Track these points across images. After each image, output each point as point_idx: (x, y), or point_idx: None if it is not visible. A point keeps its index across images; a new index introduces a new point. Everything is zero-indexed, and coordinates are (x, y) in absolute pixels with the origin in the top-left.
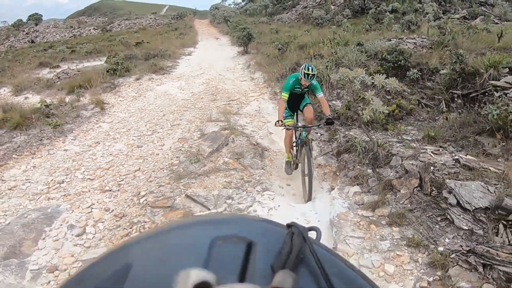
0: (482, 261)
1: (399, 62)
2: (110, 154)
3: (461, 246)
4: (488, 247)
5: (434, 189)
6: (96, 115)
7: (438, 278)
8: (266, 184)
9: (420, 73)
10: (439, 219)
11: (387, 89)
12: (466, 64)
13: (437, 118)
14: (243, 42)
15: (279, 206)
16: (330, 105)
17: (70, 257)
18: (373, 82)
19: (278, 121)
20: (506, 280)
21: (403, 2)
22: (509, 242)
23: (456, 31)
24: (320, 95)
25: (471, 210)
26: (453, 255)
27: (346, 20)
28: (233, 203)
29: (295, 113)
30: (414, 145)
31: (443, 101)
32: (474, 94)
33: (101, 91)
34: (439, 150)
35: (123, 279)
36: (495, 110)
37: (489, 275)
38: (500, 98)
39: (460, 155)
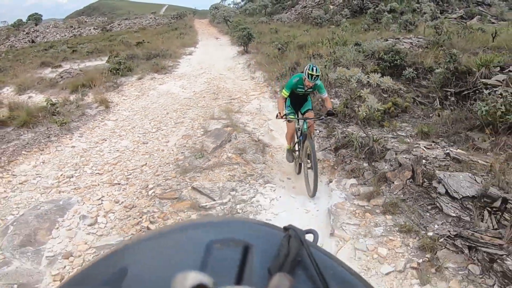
0: (467, 244)
1: (395, 62)
2: (117, 150)
3: (449, 231)
4: (473, 231)
5: (425, 180)
6: (101, 113)
7: (427, 259)
8: (267, 177)
9: (416, 72)
10: (429, 207)
11: (383, 88)
12: (459, 63)
13: (431, 115)
14: (243, 42)
15: (280, 197)
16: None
17: (83, 244)
18: (368, 81)
19: (279, 113)
20: (490, 260)
21: (401, 2)
22: (493, 226)
23: (452, 31)
24: (324, 95)
25: (459, 198)
26: (441, 239)
27: (345, 20)
28: (237, 194)
29: (297, 114)
30: (408, 140)
31: (437, 99)
32: (466, 92)
33: (104, 90)
34: (431, 145)
35: (119, 283)
36: (484, 106)
37: (474, 256)
38: (490, 95)
39: (451, 149)
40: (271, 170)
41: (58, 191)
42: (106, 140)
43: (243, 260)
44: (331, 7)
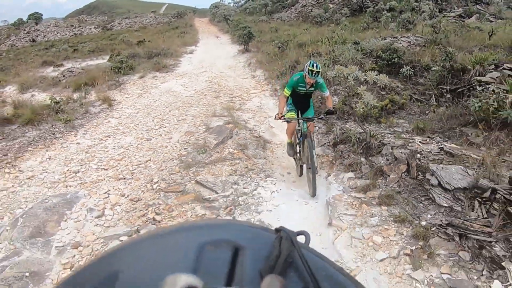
0: (458, 232)
1: (393, 60)
2: (121, 147)
3: (441, 220)
4: (464, 220)
5: (420, 173)
6: (105, 111)
7: (420, 247)
8: (268, 172)
9: (413, 70)
10: (423, 199)
11: (381, 86)
12: (455, 61)
13: (427, 112)
14: (243, 41)
15: (280, 189)
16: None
17: (91, 235)
18: (366, 79)
19: (277, 113)
20: (479, 247)
21: (400, 1)
22: (482, 216)
23: (449, 29)
24: (326, 93)
25: (451, 189)
26: (433, 228)
27: (344, 18)
28: (238, 187)
29: (299, 114)
30: (404, 136)
31: (433, 96)
32: (461, 89)
33: (106, 88)
34: (426, 140)
35: (111, 286)
36: (477, 103)
37: (464, 244)
38: (483, 92)
39: (445, 144)
40: (272, 165)
41: (65, 185)
42: (110, 137)
43: (234, 262)
44: (331, 5)
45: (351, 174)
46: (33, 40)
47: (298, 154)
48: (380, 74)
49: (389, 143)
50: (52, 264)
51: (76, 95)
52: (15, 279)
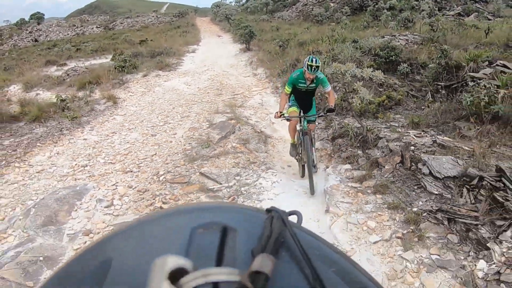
0: (447, 216)
1: (391, 58)
2: (127, 142)
3: (432, 206)
4: (453, 205)
5: (413, 164)
6: (110, 109)
7: (411, 230)
8: (269, 164)
9: (410, 68)
10: (415, 187)
11: (379, 83)
12: (450, 58)
13: (423, 107)
14: (245, 40)
15: (281, 180)
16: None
17: (101, 223)
18: (362, 75)
19: (277, 112)
20: (466, 230)
21: (400, 0)
22: (470, 201)
23: (446, 27)
24: (328, 89)
25: (441, 178)
26: (424, 214)
27: (345, 17)
28: (241, 179)
29: (301, 112)
30: (400, 130)
31: (429, 92)
32: (455, 85)
33: (110, 87)
34: (420, 133)
35: (104, 274)
36: (469, 97)
37: (453, 227)
38: (475, 87)
39: (438, 137)
40: (273, 158)
41: (74, 178)
42: (116, 133)
43: (225, 243)
44: (332, 4)
45: (348, 166)
46: (36, 40)
47: (300, 154)
48: (376, 71)
49: (384, 137)
50: (64, 250)
51: (81, 94)
52: (29, 263)
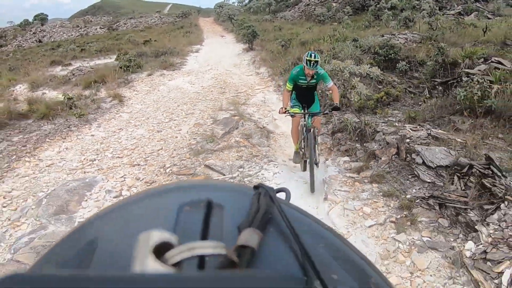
0: (438, 202)
1: (390, 56)
2: (134, 138)
3: (424, 193)
4: (443, 191)
5: (408, 155)
6: (116, 107)
7: (404, 215)
8: (271, 158)
9: (409, 65)
10: (410, 177)
11: (378, 80)
12: (447, 56)
13: (420, 103)
14: (248, 40)
15: (282, 171)
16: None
17: None
18: (360, 72)
19: (281, 108)
20: (456, 214)
21: None
22: (461, 188)
23: (445, 26)
24: (330, 84)
25: (434, 167)
26: (417, 200)
27: (347, 17)
28: (244, 170)
29: (304, 109)
30: (397, 124)
31: (426, 88)
32: (451, 82)
33: (116, 86)
34: (416, 127)
35: (91, 254)
36: (463, 92)
37: (443, 212)
38: (468, 82)
39: (432, 129)
40: (275, 152)
41: (83, 171)
42: (122, 129)
43: (211, 219)
44: (334, 4)
45: (346, 158)
46: (40, 41)
47: (303, 149)
48: (373, 67)
49: (382, 131)
50: None
51: (87, 92)
52: (43, 248)
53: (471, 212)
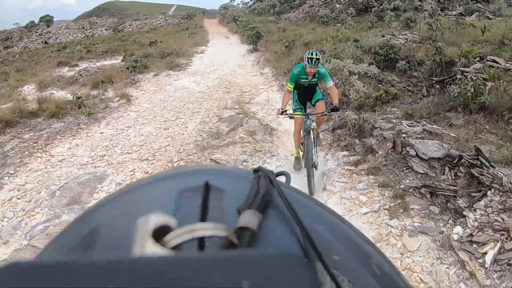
0: (429, 191)
1: (390, 56)
2: (142, 135)
3: (417, 183)
4: (435, 181)
5: (403, 149)
6: (123, 106)
7: (397, 203)
8: (274, 152)
9: (408, 65)
10: (404, 168)
11: (378, 79)
12: (444, 55)
13: (418, 101)
14: (252, 41)
15: (284, 165)
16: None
17: None
18: (358, 70)
19: (279, 108)
20: (446, 202)
21: (404, 0)
22: (451, 178)
23: (445, 27)
24: (330, 84)
25: (426, 159)
26: (410, 190)
27: (350, 18)
28: (248, 164)
29: (305, 107)
30: (394, 121)
31: (424, 87)
32: (447, 80)
33: (123, 86)
34: (413, 123)
35: (94, 240)
36: (457, 89)
37: (434, 200)
38: (463, 80)
39: (428, 125)
40: (277, 148)
41: (94, 166)
42: (131, 127)
43: (211, 202)
44: (337, 6)
45: (345, 153)
46: (46, 42)
47: (303, 152)
48: (370, 66)
49: (380, 127)
50: None
51: (94, 92)
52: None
53: (460, 199)
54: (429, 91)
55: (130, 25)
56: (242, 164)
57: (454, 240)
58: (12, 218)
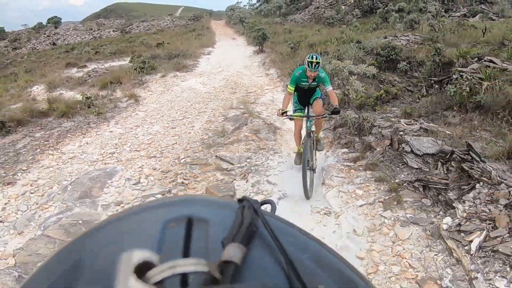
0: (422, 184)
1: (391, 56)
2: (150, 134)
3: (411, 178)
4: (428, 175)
5: (400, 146)
6: (132, 106)
7: (392, 196)
8: (277, 150)
9: (409, 65)
10: (400, 164)
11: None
12: (443, 56)
13: (417, 101)
14: (258, 42)
15: (286, 161)
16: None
17: (130, 196)
18: (357, 71)
19: (279, 109)
20: (437, 194)
21: (409, 2)
22: (443, 172)
23: (446, 28)
24: (329, 88)
25: (421, 155)
26: (404, 184)
27: (355, 19)
28: (252, 161)
29: (306, 108)
30: (393, 119)
31: (423, 87)
32: (446, 80)
33: (131, 86)
34: (411, 121)
35: (77, 274)
36: (453, 88)
37: (427, 193)
38: (459, 79)
39: (425, 123)
40: (280, 146)
41: (104, 163)
42: (139, 126)
43: (195, 235)
44: (343, 7)
45: (345, 150)
46: (54, 43)
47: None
48: (369, 66)
49: (379, 125)
50: (100, 216)
51: (103, 93)
52: (70, 225)
53: (451, 192)
54: (428, 91)
55: (138, 27)
56: (246, 161)
57: (443, 229)
58: (25, 211)
